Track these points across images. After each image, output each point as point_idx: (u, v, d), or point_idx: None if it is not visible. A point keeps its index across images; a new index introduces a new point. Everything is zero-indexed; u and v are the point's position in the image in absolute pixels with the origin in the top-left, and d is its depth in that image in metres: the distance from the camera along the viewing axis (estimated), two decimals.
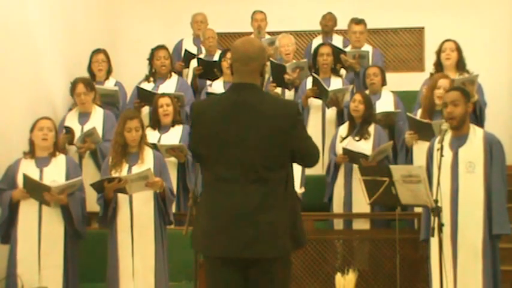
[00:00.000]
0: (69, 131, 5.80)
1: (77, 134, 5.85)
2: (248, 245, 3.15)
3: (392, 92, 6.70)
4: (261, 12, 7.73)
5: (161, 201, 4.92)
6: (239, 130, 3.22)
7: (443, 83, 5.53)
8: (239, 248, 3.15)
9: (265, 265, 3.19)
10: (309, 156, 3.35)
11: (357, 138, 5.86)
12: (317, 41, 7.78)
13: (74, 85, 6.03)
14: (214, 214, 3.21)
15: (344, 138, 5.93)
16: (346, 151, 5.71)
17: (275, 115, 3.24)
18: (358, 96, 5.97)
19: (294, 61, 7.10)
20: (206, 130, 3.28)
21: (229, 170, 3.21)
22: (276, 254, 3.22)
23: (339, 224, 5.92)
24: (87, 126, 5.89)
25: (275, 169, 3.24)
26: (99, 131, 5.86)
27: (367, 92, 6.48)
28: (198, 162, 3.58)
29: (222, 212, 3.19)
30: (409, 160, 5.70)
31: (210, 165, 3.28)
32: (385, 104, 6.47)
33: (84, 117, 6.01)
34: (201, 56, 7.49)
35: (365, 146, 5.76)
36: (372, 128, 5.91)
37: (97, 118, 6.00)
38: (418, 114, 5.70)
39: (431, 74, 6.16)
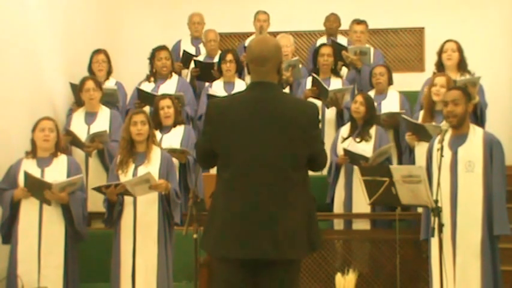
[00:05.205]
0: (69, 133, 5.77)
1: (84, 133, 5.83)
2: (268, 247, 3.09)
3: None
4: (264, 12, 7.66)
5: (166, 203, 4.89)
6: (261, 129, 3.17)
7: (439, 80, 5.56)
8: (258, 250, 3.09)
9: (277, 267, 3.14)
10: (320, 161, 3.35)
11: (357, 139, 5.81)
12: (321, 41, 7.75)
13: (82, 82, 6.02)
14: (231, 216, 3.14)
15: (345, 139, 5.90)
16: (346, 152, 5.69)
17: (297, 114, 3.21)
18: (359, 98, 5.89)
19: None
20: (227, 130, 3.20)
21: (250, 169, 3.15)
22: (295, 256, 3.19)
23: (339, 225, 5.90)
24: (94, 126, 5.89)
25: (295, 169, 3.19)
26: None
27: (373, 91, 6.47)
28: (206, 167, 3.48)
29: (240, 214, 3.13)
30: (411, 161, 5.71)
31: (230, 165, 3.20)
32: (390, 103, 6.42)
33: (90, 117, 6.01)
34: (202, 57, 7.48)
35: (366, 148, 5.72)
36: (373, 130, 5.85)
37: (104, 118, 6.00)
38: (420, 116, 5.70)
39: (435, 74, 6.14)
